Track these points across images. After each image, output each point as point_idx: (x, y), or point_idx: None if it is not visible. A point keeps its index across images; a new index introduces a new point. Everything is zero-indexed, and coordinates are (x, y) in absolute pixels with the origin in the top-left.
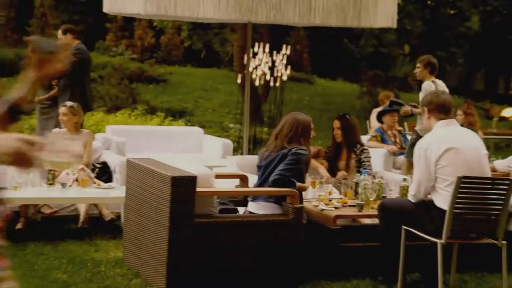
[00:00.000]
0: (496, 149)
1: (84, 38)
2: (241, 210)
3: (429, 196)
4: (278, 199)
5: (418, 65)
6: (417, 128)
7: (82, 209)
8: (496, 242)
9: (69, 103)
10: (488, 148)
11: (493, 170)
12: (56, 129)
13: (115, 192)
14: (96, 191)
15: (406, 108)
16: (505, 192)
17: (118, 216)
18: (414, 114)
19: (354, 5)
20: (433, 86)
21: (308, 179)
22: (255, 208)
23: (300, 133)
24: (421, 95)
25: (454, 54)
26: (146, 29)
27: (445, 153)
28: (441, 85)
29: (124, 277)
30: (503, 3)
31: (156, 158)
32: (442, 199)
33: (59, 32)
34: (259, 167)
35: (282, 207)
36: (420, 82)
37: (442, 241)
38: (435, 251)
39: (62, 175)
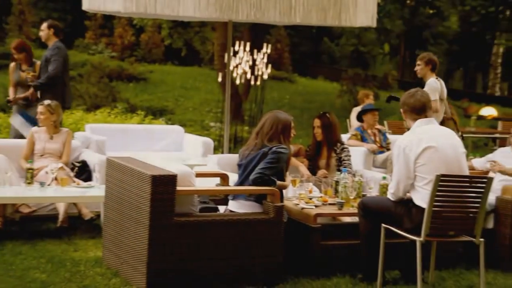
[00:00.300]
0: (474, 147)
1: (63, 36)
2: (221, 208)
3: (408, 194)
4: (258, 198)
5: (418, 62)
6: None
7: (61, 208)
8: (474, 239)
9: (46, 102)
10: (466, 146)
11: (471, 168)
12: (35, 128)
13: (94, 191)
14: (75, 190)
15: None
16: (482, 190)
17: (98, 215)
18: None
19: (334, 4)
20: (438, 83)
21: (289, 177)
22: (236, 207)
23: (281, 131)
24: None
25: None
26: (126, 27)
27: (424, 151)
28: (443, 84)
29: (103, 277)
30: (481, 3)
31: (136, 156)
32: (421, 197)
33: (44, 25)
34: (239, 165)
35: (263, 205)
36: (401, 81)
37: (421, 238)
38: (414, 249)
39: (41, 174)
